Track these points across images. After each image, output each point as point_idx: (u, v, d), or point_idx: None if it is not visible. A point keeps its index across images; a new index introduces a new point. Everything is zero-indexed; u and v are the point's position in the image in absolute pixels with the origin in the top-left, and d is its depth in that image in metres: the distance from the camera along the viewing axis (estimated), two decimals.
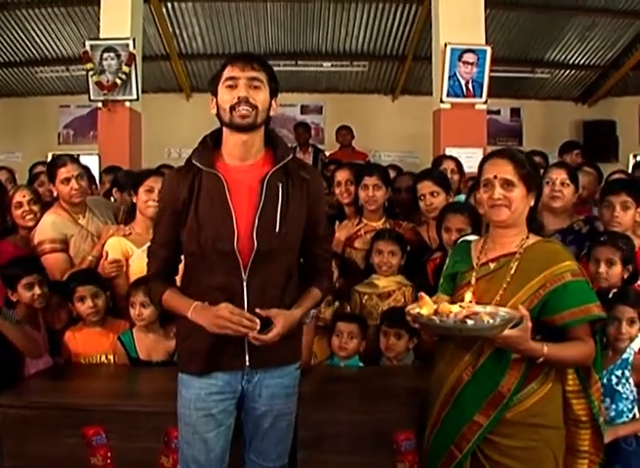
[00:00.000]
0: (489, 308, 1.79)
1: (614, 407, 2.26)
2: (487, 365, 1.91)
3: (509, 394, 1.88)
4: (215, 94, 1.97)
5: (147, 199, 3.00)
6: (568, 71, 8.04)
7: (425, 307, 1.77)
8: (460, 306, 1.76)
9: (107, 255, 3.02)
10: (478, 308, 1.77)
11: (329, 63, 7.76)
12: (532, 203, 1.97)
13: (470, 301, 1.81)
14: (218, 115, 1.97)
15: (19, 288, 2.77)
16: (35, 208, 3.24)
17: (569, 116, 8.46)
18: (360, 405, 2.38)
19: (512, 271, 1.92)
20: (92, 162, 5.54)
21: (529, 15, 6.84)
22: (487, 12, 5.63)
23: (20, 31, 6.96)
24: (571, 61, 7.84)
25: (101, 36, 5.50)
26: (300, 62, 7.68)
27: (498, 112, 8.26)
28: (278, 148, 2.00)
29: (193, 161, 1.97)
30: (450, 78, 5.38)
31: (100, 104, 5.52)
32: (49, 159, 6.32)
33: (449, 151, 5.04)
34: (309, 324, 2.56)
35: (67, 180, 3.11)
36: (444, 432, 1.97)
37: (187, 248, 1.99)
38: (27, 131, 8.08)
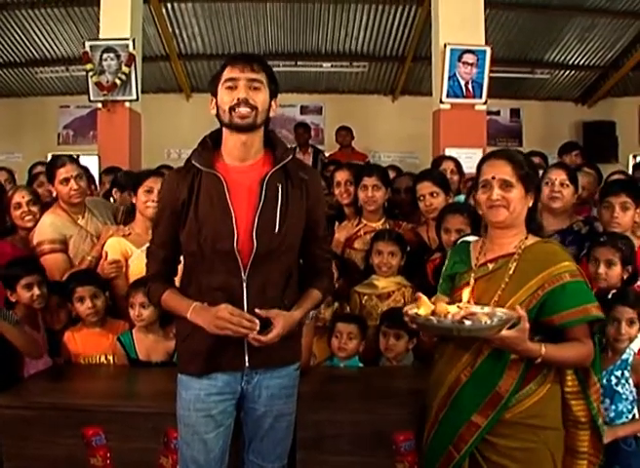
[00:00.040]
0: (486, 309, 1.79)
1: (613, 407, 2.26)
2: (485, 365, 1.91)
3: (508, 395, 1.88)
4: (214, 94, 1.97)
5: (147, 199, 3.00)
6: (567, 72, 8.04)
7: (423, 307, 1.78)
8: (458, 307, 1.76)
9: (107, 256, 3.02)
10: (476, 309, 1.77)
11: (329, 64, 7.76)
12: (530, 203, 1.97)
13: (468, 302, 1.81)
14: (217, 116, 1.97)
15: (18, 288, 2.77)
16: (34, 208, 3.24)
17: (568, 117, 8.47)
18: (360, 405, 2.37)
19: (511, 272, 1.92)
20: (92, 162, 5.54)
21: (528, 15, 6.84)
22: (486, 12, 5.63)
23: (19, 32, 6.96)
24: (570, 62, 7.84)
25: (101, 36, 5.50)
26: (299, 63, 7.69)
27: (497, 113, 8.27)
28: (277, 149, 2.00)
29: (193, 161, 1.97)
30: (449, 79, 5.38)
31: (99, 105, 5.52)
32: (49, 159, 6.32)
33: (448, 152, 5.04)
34: (309, 324, 2.56)
35: (66, 181, 3.11)
36: (442, 432, 1.97)
37: (187, 248, 1.99)
38: (27, 131, 8.09)
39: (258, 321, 1.87)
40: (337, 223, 3.52)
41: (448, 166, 3.88)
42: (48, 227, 3.10)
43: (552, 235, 2.89)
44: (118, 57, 5.38)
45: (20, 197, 3.24)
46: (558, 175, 3.04)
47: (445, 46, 5.34)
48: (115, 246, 3.03)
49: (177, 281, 2.11)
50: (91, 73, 5.40)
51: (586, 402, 1.95)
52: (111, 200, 3.89)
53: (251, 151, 1.98)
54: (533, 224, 2.01)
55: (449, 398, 1.96)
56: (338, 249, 3.27)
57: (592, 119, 8.36)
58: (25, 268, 2.81)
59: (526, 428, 1.89)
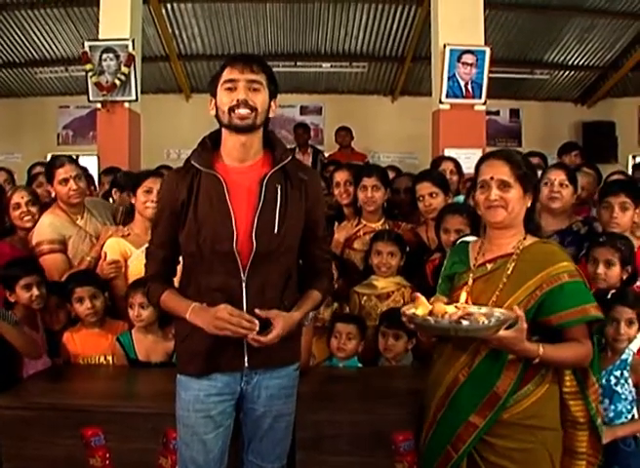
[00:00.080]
0: (484, 309, 1.79)
1: (612, 407, 2.26)
2: (483, 366, 1.91)
3: (505, 395, 1.88)
4: (214, 95, 1.97)
5: (146, 200, 3.00)
6: (567, 72, 8.05)
7: (421, 308, 1.78)
8: (456, 307, 1.76)
9: (106, 256, 3.02)
10: (473, 309, 1.78)
11: (328, 64, 7.77)
12: (528, 204, 1.97)
13: (466, 302, 1.81)
14: (216, 116, 1.97)
15: (17, 289, 2.77)
16: (33, 209, 3.23)
17: (568, 117, 8.47)
18: (359, 405, 2.37)
19: (509, 272, 1.92)
20: (91, 163, 5.55)
21: (528, 16, 6.84)
22: (486, 13, 5.63)
23: (19, 32, 6.95)
24: (570, 62, 7.84)
25: (101, 37, 5.49)
26: (299, 63, 7.69)
27: (497, 113, 8.27)
28: (277, 150, 2.00)
29: (192, 162, 1.97)
30: (449, 79, 5.38)
31: (99, 105, 5.52)
32: (48, 160, 6.32)
33: (448, 152, 5.04)
34: (308, 325, 2.56)
35: (65, 181, 3.11)
36: (440, 433, 1.97)
37: (186, 248, 1.99)
38: (27, 131, 8.08)
39: (257, 321, 1.88)
40: (336, 224, 3.52)
41: (447, 166, 3.88)
42: (47, 228, 3.10)
43: (551, 235, 2.90)
44: (117, 57, 5.38)
45: (20, 197, 3.23)
46: (557, 176, 3.04)
47: (444, 46, 5.34)
48: (114, 246, 3.03)
49: (175, 281, 2.11)
50: (90, 73, 5.40)
51: (585, 402, 1.95)
52: (110, 200, 3.89)
53: (250, 152, 1.98)
54: (531, 225, 2.01)
55: (447, 398, 1.96)
56: (337, 249, 3.27)
57: (592, 119, 8.36)
58: (24, 269, 2.81)
59: (524, 428, 1.89)
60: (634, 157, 8.46)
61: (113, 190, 3.88)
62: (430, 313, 1.75)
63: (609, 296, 2.38)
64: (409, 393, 2.38)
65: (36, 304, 2.80)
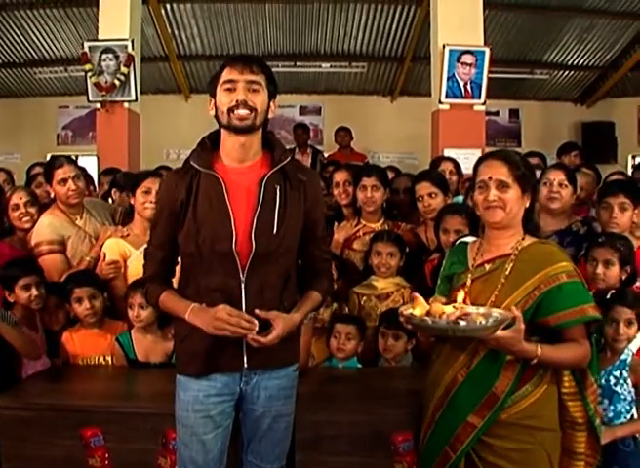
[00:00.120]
0: (482, 309, 1.79)
1: (612, 408, 2.26)
2: (481, 366, 1.91)
3: (504, 395, 1.88)
4: (213, 95, 1.97)
5: (145, 200, 3.00)
6: (566, 72, 8.05)
7: (418, 308, 1.78)
8: (454, 307, 1.76)
9: (105, 257, 3.01)
10: (471, 309, 1.77)
11: (327, 64, 7.77)
12: (527, 204, 1.97)
13: (464, 302, 1.81)
14: (216, 117, 1.97)
15: (16, 289, 2.77)
16: (32, 209, 3.23)
17: (567, 117, 8.47)
18: (358, 406, 2.37)
19: (507, 272, 1.92)
20: (90, 163, 5.55)
21: (527, 16, 6.84)
22: (485, 13, 5.64)
23: (18, 32, 6.96)
24: (569, 63, 7.85)
25: (100, 37, 5.50)
26: (298, 63, 7.69)
27: (496, 113, 8.28)
28: (276, 150, 2.00)
29: (191, 162, 1.97)
30: (448, 79, 5.38)
31: (98, 105, 5.52)
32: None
33: (447, 152, 5.04)
34: (307, 325, 2.56)
35: (64, 181, 3.11)
36: (438, 433, 1.97)
37: (185, 249, 1.99)
38: (26, 132, 8.09)
39: (256, 321, 1.87)
40: (335, 224, 3.52)
41: (446, 166, 3.88)
42: (46, 228, 3.10)
43: (551, 235, 2.89)
44: (117, 57, 5.39)
45: (18, 198, 3.23)
46: (557, 176, 3.04)
47: (444, 46, 5.34)
48: (114, 247, 3.03)
49: (174, 282, 2.11)
50: (90, 74, 5.40)
51: (583, 403, 1.95)
52: (110, 201, 3.88)
53: (249, 152, 1.98)
54: (530, 225, 2.01)
55: (445, 398, 1.96)
56: (336, 249, 3.27)
57: (591, 119, 8.37)
58: (23, 269, 2.81)
59: (522, 429, 1.88)
60: (634, 157, 8.47)
61: (113, 190, 3.88)
62: (428, 313, 1.76)
63: (608, 297, 2.38)
64: (408, 393, 2.38)
65: (35, 304, 2.79)
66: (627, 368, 2.29)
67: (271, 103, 1.98)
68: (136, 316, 2.76)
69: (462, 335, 1.76)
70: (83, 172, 3.39)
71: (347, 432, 2.26)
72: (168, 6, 6.62)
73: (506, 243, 1.97)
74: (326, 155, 7.11)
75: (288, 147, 2.16)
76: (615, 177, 3.85)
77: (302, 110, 8.43)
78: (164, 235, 2.02)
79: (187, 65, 7.82)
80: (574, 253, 2.81)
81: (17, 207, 3.22)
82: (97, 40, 5.50)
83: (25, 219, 3.21)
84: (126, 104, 5.51)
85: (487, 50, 5.42)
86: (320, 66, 7.78)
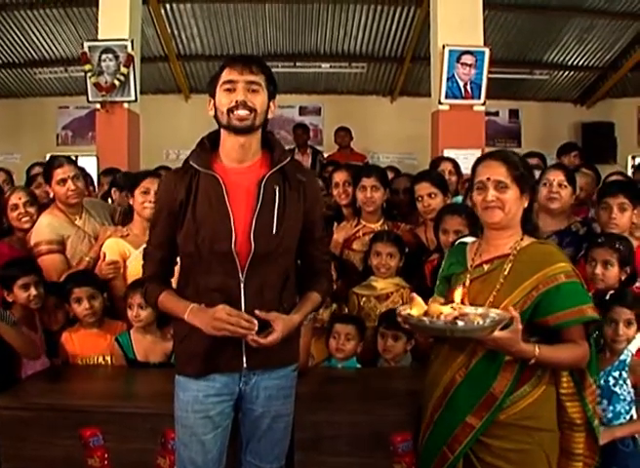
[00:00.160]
0: (479, 309, 1.79)
1: (611, 408, 2.26)
2: (479, 366, 1.91)
3: (502, 396, 1.88)
4: (212, 95, 1.97)
5: (143, 200, 3.00)
6: (566, 73, 8.05)
7: (416, 308, 1.78)
8: (452, 307, 1.76)
9: (105, 257, 3.01)
10: (469, 309, 1.77)
11: (327, 65, 7.77)
12: (526, 204, 1.96)
13: (462, 302, 1.81)
14: (215, 117, 1.97)
15: (15, 288, 2.77)
16: (31, 210, 3.23)
17: (567, 117, 8.48)
18: (358, 406, 2.37)
19: (506, 273, 1.92)
20: (90, 163, 5.55)
21: (527, 16, 6.85)
22: (485, 13, 5.64)
23: (18, 32, 6.96)
24: (569, 63, 7.85)
25: (100, 37, 5.50)
26: (298, 64, 7.69)
27: (496, 114, 8.28)
28: (275, 151, 2.00)
29: (191, 162, 1.97)
30: (448, 79, 5.38)
31: (98, 106, 5.52)
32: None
33: (447, 153, 5.04)
34: (306, 325, 2.56)
35: (63, 181, 3.11)
36: (437, 433, 1.97)
37: (184, 249, 1.99)
38: (26, 132, 8.09)
39: (256, 321, 1.88)
40: (335, 224, 3.52)
41: (446, 167, 3.87)
42: (45, 228, 3.10)
43: (550, 236, 2.89)
44: (117, 57, 5.39)
45: (17, 198, 3.23)
46: (556, 176, 3.04)
47: (443, 47, 5.34)
48: (113, 247, 3.03)
49: (173, 282, 2.11)
50: (89, 74, 5.40)
51: (582, 403, 1.94)
52: (109, 201, 3.88)
53: (249, 153, 1.98)
54: (528, 225, 2.00)
55: (444, 398, 1.96)
56: (336, 250, 3.27)
57: (591, 120, 8.37)
58: (22, 268, 2.81)
59: (520, 429, 1.88)
60: (633, 157, 8.47)
61: (113, 190, 3.88)
62: (425, 313, 1.76)
63: (607, 297, 2.38)
64: (408, 394, 2.38)
65: (34, 304, 2.80)
66: (627, 368, 2.29)
67: (271, 104, 1.98)
68: (135, 316, 2.76)
69: (460, 336, 1.76)
70: (82, 172, 3.39)
71: (347, 432, 2.26)
72: (168, 6, 6.62)
73: (505, 243, 1.97)
74: (326, 155, 7.11)
75: (287, 147, 2.16)
76: (614, 178, 3.85)
77: (302, 110, 8.43)
78: (163, 235, 2.02)
79: (187, 65, 7.82)
80: (573, 253, 2.81)
81: (16, 207, 3.22)
82: (96, 40, 5.50)
83: (24, 220, 3.21)
84: (126, 105, 5.51)
85: (487, 50, 5.42)
86: (320, 66, 7.78)
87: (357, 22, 7.00)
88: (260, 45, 7.39)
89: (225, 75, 1.92)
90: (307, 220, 2.02)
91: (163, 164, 4.72)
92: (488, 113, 6.61)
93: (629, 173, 6.32)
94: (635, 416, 2.27)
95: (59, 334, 2.89)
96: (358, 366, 2.83)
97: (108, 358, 2.85)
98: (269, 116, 1.99)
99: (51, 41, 7.17)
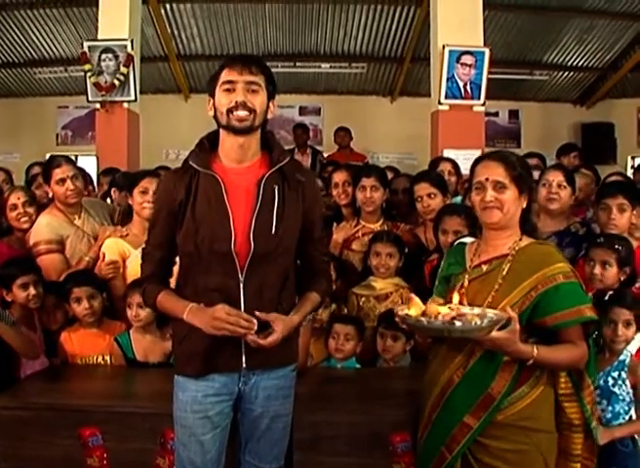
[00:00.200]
0: (477, 310, 1.79)
1: (610, 408, 2.26)
2: (477, 367, 1.91)
3: (500, 396, 1.88)
4: (212, 95, 1.97)
5: (142, 200, 3.00)
6: (566, 73, 8.06)
7: (414, 308, 1.78)
8: (450, 308, 1.76)
9: (104, 257, 3.01)
10: (466, 310, 1.78)
11: (327, 65, 7.78)
12: (524, 205, 1.97)
13: (460, 303, 1.81)
14: (215, 117, 1.97)
15: (14, 288, 2.77)
16: (30, 210, 3.23)
17: (567, 118, 8.48)
18: (357, 406, 2.37)
19: (504, 273, 1.92)
20: (90, 163, 5.56)
21: (527, 17, 6.85)
22: (485, 13, 5.64)
23: (18, 32, 6.96)
24: (569, 63, 7.85)
25: (100, 37, 5.50)
26: (298, 64, 7.70)
27: (496, 114, 8.28)
28: (274, 151, 2.00)
29: (190, 162, 1.97)
30: (448, 80, 5.39)
31: (98, 105, 5.52)
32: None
33: (447, 153, 5.04)
34: (306, 325, 2.56)
35: (62, 181, 3.11)
36: (435, 433, 1.97)
37: (184, 249, 1.98)
38: (26, 131, 8.09)
39: (255, 320, 1.87)
40: (335, 224, 3.52)
41: (445, 167, 3.87)
42: (44, 228, 3.10)
43: (550, 236, 2.89)
44: (117, 57, 5.39)
45: (16, 198, 3.23)
46: (555, 177, 3.04)
47: (443, 47, 5.34)
48: (113, 246, 3.03)
49: (172, 282, 2.11)
50: (89, 74, 5.40)
51: (580, 404, 1.94)
52: (109, 201, 3.88)
53: (248, 153, 1.98)
54: (527, 225, 2.00)
55: (442, 398, 1.96)
56: (335, 250, 3.27)
57: (591, 120, 8.37)
58: (21, 268, 2.81)
59: (518, 430, 1.88)
60: (633, 158, 8.47)
61: (112, 190, 3.88)
62: (423, 314, 1.76)
63: (606, 298, 2.38)
64: (407, 394, 2.37)
65: (33, 303, 2.80)
66: (626, 369, 2.30)
67: (270, 104, 1.98)
68: (134, 316, 2.76)
69: (457, 336, 1.76)
70: (81, 171, 3.39)
71: (346, 432, 2.26)
72: (168, 6, 6.63)
73: (504, 243, 1.97)
74: (325, 155, 7.11)
75: (287, 148, 2.16)
76: (613, 179, 3.85)
77: (302, 110, 8.44)
78: (162, 235, 2.02)
79: (187, 65, 7.83)
80: (573, 253, 2.81)
81: (15, 207, 3.22)
82: (96, 40, 5.51)
83: (24, 219, 3.21)
84: (125, 104, 5.52)
85: (486, 50, 5.42)
86: (320, 67, 7.78)
87: (357, 22, 7.00)
88: (259, 45, 7.40)
89: (225, 75, 1.92)
90: (307, 220, 2.02)
91: (163, 164, 4.73)
92: (488, 113, 6.62)
93: (629, 173, 6.31)
94: (634, 417, 2.28)
95: (58, 334, 2.89)
96: (357, 366, 2.83)
97: (108, 358, 2.84)
98: (269, 116, 1.99)
99: (51, 41, 7.17)
